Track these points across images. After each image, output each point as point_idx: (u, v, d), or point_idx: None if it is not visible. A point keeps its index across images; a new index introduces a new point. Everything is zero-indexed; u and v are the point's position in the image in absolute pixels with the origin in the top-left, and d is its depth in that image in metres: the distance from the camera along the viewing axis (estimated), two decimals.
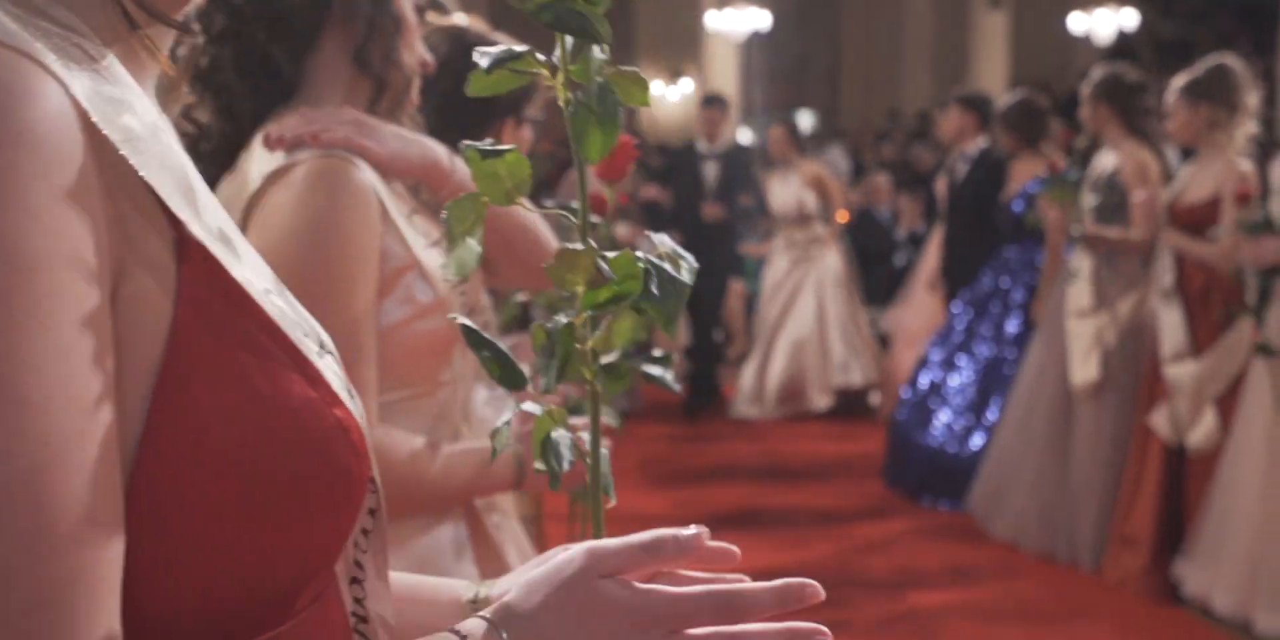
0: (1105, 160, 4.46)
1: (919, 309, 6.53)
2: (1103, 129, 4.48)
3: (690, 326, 7.27)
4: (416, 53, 1.50)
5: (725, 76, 13.79)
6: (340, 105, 1.44)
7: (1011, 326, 5.18)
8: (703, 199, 7.01)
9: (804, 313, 7.09)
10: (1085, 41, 12.53)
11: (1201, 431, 3.98)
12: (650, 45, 15.52)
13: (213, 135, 1.44)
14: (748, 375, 7.26)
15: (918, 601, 4.21)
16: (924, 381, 5.47)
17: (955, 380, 5.33)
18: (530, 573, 0.73)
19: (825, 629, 0.71)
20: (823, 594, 0.71)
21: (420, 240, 1.45)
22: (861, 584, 4.36)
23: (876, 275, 8.12)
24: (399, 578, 0.84)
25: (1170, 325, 4.08)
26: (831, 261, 7.17)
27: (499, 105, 1.80)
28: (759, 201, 7.35)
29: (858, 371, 7.09)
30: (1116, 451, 4.36)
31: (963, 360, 5.33)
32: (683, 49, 14.58)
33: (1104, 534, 4.36)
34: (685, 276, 0.75)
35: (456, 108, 1.70)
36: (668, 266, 0.75)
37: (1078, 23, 12.57)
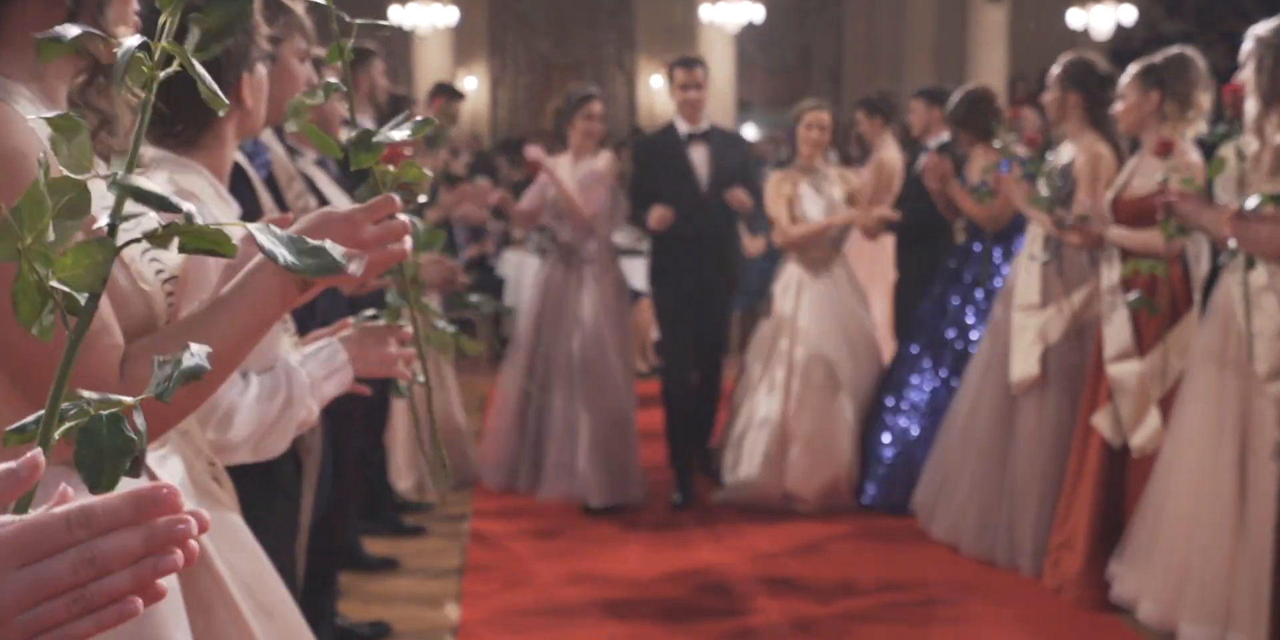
0: (1066, 151, 4.32)
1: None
2: (1065, 117, 4.31)
3: (667, 364, 5.59)
4: (129, 17, 1.34)
5: (721, 70, 13.66)
6: (46, 85, 1.29)
7: (963, 341, 5.00)
8: (696, 192, 5.23)
9: (835, 363, 5.24)
10: (1084, 37, 12.38)
11: (1145, 433, 3.85)
12: (650, 41, 15.44)
13: None
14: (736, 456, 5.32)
15: (850, 605, 4.08)
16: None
17: (912, 382, 5.16)
18: None
19: (186, 518, 0.66)
20: (179, 498, 0.66)
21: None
22: (794, 586, 4.24)
23: None
24: None
25: (1115, 324, 3.93)
26: (850, 286, 5.42)
27: (219, 65, 1.68)
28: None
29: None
30: (1058, 452, 4.21)
31: (921, 362, 5.16)
32: (682, 44, 14.46)
33: (1044, 537, 4.20)
34: None
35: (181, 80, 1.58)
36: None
37: (1076, 18, 12.45)
